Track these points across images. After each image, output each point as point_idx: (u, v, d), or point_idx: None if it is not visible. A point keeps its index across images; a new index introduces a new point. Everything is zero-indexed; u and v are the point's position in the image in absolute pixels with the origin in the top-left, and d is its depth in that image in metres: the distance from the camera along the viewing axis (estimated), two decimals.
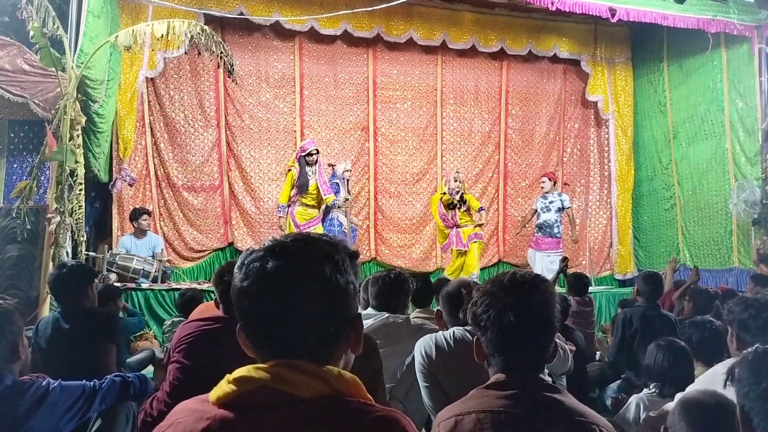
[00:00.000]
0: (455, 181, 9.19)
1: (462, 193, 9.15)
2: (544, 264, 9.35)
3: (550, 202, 9.41)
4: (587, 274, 7.32)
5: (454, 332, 3.06)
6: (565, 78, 11.25)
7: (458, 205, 9.15)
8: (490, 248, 10.91)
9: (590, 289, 6.78)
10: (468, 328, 3.02)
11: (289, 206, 8.72)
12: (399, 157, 10.50)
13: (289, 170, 8.78)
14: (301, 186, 8.62)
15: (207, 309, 3.60)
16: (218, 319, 2.96)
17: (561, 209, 9.37)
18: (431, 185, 10.64)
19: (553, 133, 11.22)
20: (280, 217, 8.79)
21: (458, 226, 9.19)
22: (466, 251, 9.17)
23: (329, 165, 9.07)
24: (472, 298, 1.88)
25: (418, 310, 4.12)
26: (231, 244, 9.81)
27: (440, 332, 3.14)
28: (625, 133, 11.23)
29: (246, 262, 1.27)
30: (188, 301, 6.00)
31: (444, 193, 9.22)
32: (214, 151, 9.76)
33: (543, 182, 9.58)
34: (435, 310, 3.59)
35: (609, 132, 11.29)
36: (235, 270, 1.30)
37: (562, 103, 11.25)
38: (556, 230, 9.40)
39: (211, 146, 9.75)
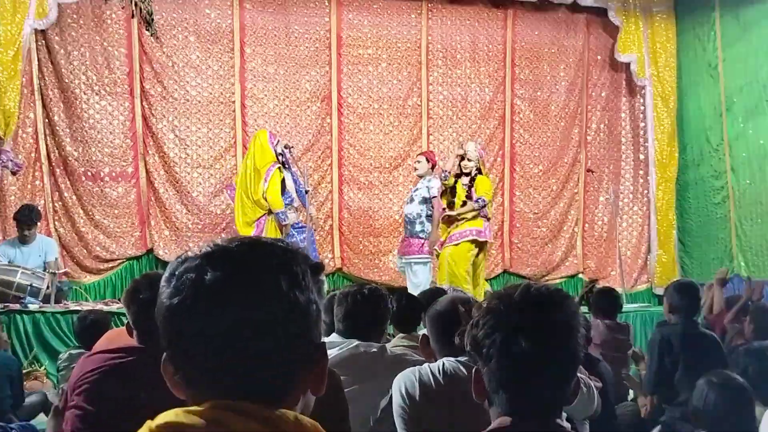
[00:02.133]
0: (460, 158, 8.93)
1: (473, 174, 8.94)
2: (407, 277, 9.14)
3: (415, 191, 9.14)
4: (618, 289, 7.41)
5: (443, 364, 3.06)
6: (589, 32, 11.39)
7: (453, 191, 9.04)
8: (492, 255, 11.00)
9: (623, 307, 6.85)
10: (463, 358, 3.04)
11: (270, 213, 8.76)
12: (371, 137, 10.56)
13: (278, 167, 8.81)
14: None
15: (117, 337, 3.58)
16: (132, 349, 2.94)
17: (427, 200, 9.00)
18: (414, 172, 10.69)
19: (574, 104, 11.34)
20: (285, 224, 8.76)
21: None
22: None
23: (286, 146, 9.05)
24: (472, 318, 1.89)
25: (401, 336, 4.12)
26: (150, 251, 9.78)
27: (426, 365, 3.13)
28: (666, 103, 11.39)
29: (177, 272, 1.27)
30: (91, 326, 5.94)
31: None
32: (126, 128, 9.72)
33: (418, 162, 9.23)
34: (420, 334, 3.60)
35: (645, 103, 11.45)
36: (162, 283, 1.29)
37: (585, 64, 11.38)
38: (418, 227, 9.00)
39: (122, 121, 9.71)
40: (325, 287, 8.85)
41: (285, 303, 1.26)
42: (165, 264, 9.30)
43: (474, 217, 8.84)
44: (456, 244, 8.75)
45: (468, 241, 8.74)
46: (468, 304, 3.08)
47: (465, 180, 8.90)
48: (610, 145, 11.52)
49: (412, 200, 9.12)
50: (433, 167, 9.17)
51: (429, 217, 9.04)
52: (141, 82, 9.76)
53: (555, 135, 11.24)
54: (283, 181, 8.96)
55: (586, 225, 11.43)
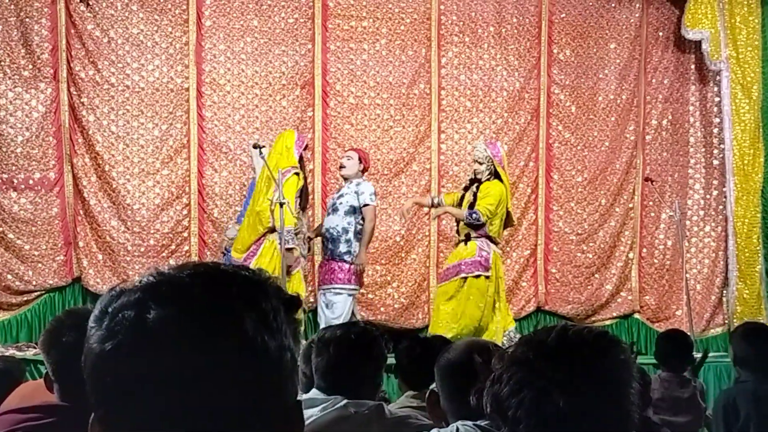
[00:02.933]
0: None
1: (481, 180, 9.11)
2: (320, 312, 9.14)
3: (339, 197, 9.16)
4: (689, 334, 7.38)
5: (457, 430, 3.07)
6: (648, 2, 11.42)
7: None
8: (522, 289, 10.98)
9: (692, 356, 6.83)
10: (482, 422, 3.03)
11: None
12: (366, 135, 10.57)
13: (296, 173, 8.90)
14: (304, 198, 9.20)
15: (32, 392, 3.56)
16: (52, 408, 2.93)
17: (355, 210, 9.03)
18: (421, 180, 10.74)
19: (628, 94, 11.36)
20: (289, 249, 8.65)
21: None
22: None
23: (255, 146, 9.06)
24: (493, 371, 1.89)
25: (410, 394, 4.13)
26: (77, 280, 9.79)
27: (434, 431, 3.14)
28: (748, 93, 11.42)
29: (111, 310, 1.26)
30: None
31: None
32: (47, 122, 9.74)
33: (347, 158, 9.26)
34: (428, 390, 3.59)
35: (721, 92, 11.47)
36: (91, 323, 1.28)
37: (643, 43, 11.41)
38: (342, 247, 9.01)
39: (42, 113, 9.72)
40: (302, 329, 8.88)
41: (250, 350, 1.25)
42: (96, 297, 9.28)
43: (468, 239, 9.05)
44: (441, 284, 9.19)
45: (458, 279, 9.06)
46: (487, 353, 3.07)
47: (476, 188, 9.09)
48: (675, 147, 11.53)
49: (335, 210, 9.08)
50: (365, 170, 9.24)
51: (358, 234, 9.03)
52: (68, 64, 9.77)
53: (603, 134, 11.26)
54: (302, 191, 9.08)
55: (644, 250, 11.42)
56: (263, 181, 8.79)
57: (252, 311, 1.26)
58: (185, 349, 1.22)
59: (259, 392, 1.26)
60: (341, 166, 9.27)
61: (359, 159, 9.20)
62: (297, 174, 8.89)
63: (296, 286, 8.82)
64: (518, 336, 8.49)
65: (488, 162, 9.05)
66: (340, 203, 9.05)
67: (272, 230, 8.68)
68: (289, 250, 8.61)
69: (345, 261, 8.99)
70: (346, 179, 9.18)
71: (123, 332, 1.23)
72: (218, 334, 1.23)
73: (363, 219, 9.02)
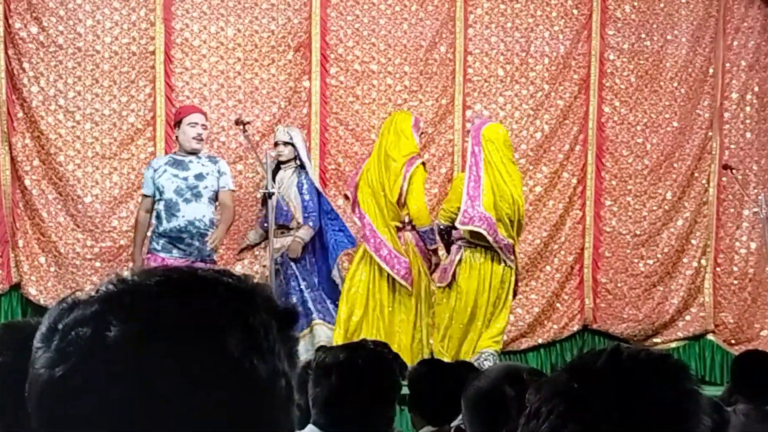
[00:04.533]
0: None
1: None
2: None
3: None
4: None
5: None
6: None
7: None
8: (564, 303, 10.97)
9: None
10: None
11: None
12: (374, 110, 10.58)
13: (423, 162, 9.23)
14: None
15: None
16: None
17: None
18: (441, 167, 10.75)
19: (702, 60, 11.34)
20: (432, 249, 9.30)
21: None
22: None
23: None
24: (528, 403, 1.90)
25: (428, 430, 4.11)
26: (15, 287, 9.80)
27: None
28: None
29: (62, 326, 1.25)
30: None
31: None
32: None
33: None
34: (452, 427, 3.61)
35: None
36: (37, 342, 1.28)
37: None
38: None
39: None
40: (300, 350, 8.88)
41: (235, 376, 1.25)
42: (39, 309, 9.31)
43: None
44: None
45: None
46: (520, 383, 3.08)
47: None
48: (762, 126, 11.51)
49: (197, 195, 9.20)
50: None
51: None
52: (5, 20, 9.77)
53: (671, 110, 11.25)
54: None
55: (721, 256, 11.41)
56: (384, 169, 9.17)
57: (237, 327, 1.23)
58: (153, 375, 1.20)
59: (247, 428, 1.27)
60: (199, 138, 9.30)
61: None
62: (424, 163, 9.26)
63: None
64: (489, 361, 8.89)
65: None
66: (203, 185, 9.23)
67: (410, 226, 9.35)
68: (434, 251, 9.31)
69: (214, 260, 9.39)
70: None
71: (77, 354, 1.22)
72: (195, 356, 1.21)
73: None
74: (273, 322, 1.28)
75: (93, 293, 1.27)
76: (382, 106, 10.54)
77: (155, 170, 9.05)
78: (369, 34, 10.52)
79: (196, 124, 9.11)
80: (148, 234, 9.18)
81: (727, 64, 11.42)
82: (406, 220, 9.32)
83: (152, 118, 10.05)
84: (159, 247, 9.05)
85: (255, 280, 1.33)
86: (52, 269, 9.81)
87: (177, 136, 9.13)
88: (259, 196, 9.34)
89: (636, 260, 11.16)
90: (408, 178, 9.13)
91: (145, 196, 9.16)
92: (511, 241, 9.28)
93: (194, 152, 9.14)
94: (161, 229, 9.05)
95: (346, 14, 10.47)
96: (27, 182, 9.82)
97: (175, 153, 9.20)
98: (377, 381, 3.65)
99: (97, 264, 9.77)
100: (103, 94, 9.98)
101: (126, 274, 1.30)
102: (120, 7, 10.00)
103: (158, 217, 9.05)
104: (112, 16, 9.99)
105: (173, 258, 9.03)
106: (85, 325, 1.24)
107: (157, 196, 9.03)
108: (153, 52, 10.06)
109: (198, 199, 9.06)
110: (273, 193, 8.85)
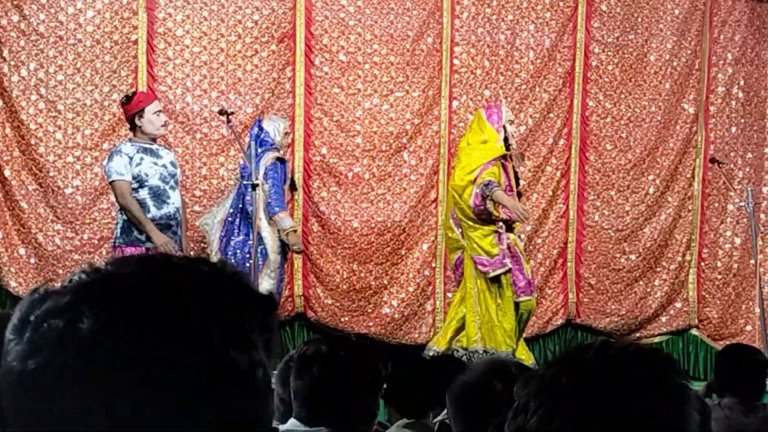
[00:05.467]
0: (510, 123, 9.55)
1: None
2: None
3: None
4: (762, 351, 7.38)
5: None
6: None
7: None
8: (548, 297, 11.00)
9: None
10: None
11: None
12: (359, 101, 10.58)
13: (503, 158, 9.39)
14: None
15: None
16: None
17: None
18: (427, 159, 10.75)
19: (688, 54, 11.38)
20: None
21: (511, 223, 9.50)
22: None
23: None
24: (516, 397, 1.89)
25: (402, 423, 4.13)
26: None
27: None
28: None
29: (34, 317, 1.23)
30: None
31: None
32: None
33: None
34: (435, 423, 3.60)
35: None
36: (8, 335, 1.26)
37: None
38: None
39: None
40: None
41: (215, 368, 1.23)
42: (19, 301, 9.24)
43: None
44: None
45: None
46: (508, 377, 3.07)
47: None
48: (748, 120, 11.59)
49: (177, 183, 9.21)
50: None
51: None
52: None
53: (655, 104, 11.30)
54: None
55: (705, 251, 11.46)
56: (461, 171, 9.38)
57: (214, 317, 1.23)
58: (129, 368, 1.19)
59: (226, 421, 1.25)
60: (166, 125, 9.34)
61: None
62: (508, 159, 9.40)
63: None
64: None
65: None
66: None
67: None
68: None
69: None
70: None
71: (49, 347, 1.20)
72: (172, 348, 1.21)
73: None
74: (251, 311, 1.27)
75: (66, 284, 1.25)
76: (368, 97, 10.55)
77: (130, 158, 8.87)
78: (354, 24, 10.52)
79: (160, 112, 9.07)
80: (129, 224, 8.99)
81: (714, 58, 11.47)
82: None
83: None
84: (144, 237, 8.90)
85: (233, 268, 1.31)
86: (32, 261, 9.79)
87: (138, 126, 8.98)
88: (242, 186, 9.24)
89: (619, 255, 11.22)
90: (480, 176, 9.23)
91: (125, 181, 8.91)
92: None
93: (154, 140, 9.08)
94: (148, 217, 8.93)
95: (331, 4, 10.46)
96: (7, 173, 9.77)
97: (135, 141, 9.00)
98: (360, 374, 3.62)
99: (77, 257, 9.75)
100: (85, 83, 9.94)
101: (99, 263, 1.28)
102: None
103: (142, 205, 8.88)
104: (95, 4, 9.93)
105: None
106: (57, 317, 1.21)
107: (136, 185, 8.90)
108: (135, 42, 10.03)
109: (177, 186, 9.08)
110: (258, 185, 8.83)
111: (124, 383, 1.18)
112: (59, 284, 1.27)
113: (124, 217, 8.90)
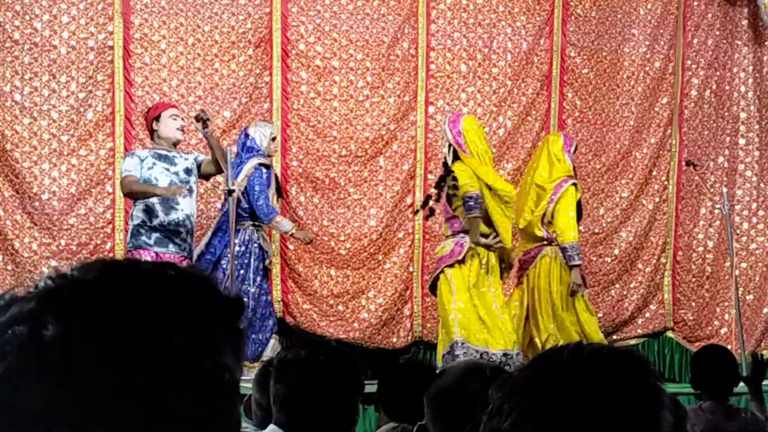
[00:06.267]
0: None
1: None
2: None
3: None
4: (735, 354, 7.38)
5: None
6: None
7: None
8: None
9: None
10: None
11: None
12: (336, 106, 10.55)
13: (573, 183, 9.69)
14: None
15: None
16: None
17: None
18: (403, 163, 10.75)
19: (662, 58, 11.40)
20: (576, 265, 9.63)
21: None
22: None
23: (197, 119, 8.98)
24: (491, 400, 1.90)
25: (389, 427, 4.14)
26: None
27: None
28: None
29: None
30: None
31: None
32: None
33: (182, 119, 9.28)
34: (415, 426, 3.61)
35: None
36: None
37: None
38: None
39: None
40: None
41: (179, 373, 1.23)
42: None
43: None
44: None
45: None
46: (483, 380, 3.08)
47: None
48: (721, 123, 11.58)
49: (190, 191, 9.16)
50: (204, 123, 9.18)
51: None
52: None
53: (628, 108, 11.32)
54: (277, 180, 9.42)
55: (680, 253, 11.47)
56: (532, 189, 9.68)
57: (179, 321, 1.22)
58: (93, 375, 1.20)
59: (191, 426, 1.24)
60: (182, 130, 9.25)
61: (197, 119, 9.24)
62: (575, 184, 9.60)
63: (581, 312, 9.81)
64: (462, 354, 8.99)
65: (446, 138, 9.43)
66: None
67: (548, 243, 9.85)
68: (577, 266, 9.70)
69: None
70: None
71: (12, 354, 1.18)
72: (137, 354, 1.20)
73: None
74: (218, 315, 1.28)
75: (31, 290, 1.25)
76: (344, 102, 10.53)
77: (142, 160, 8.89)
78: (330, 29, 10.50)
79: (177, 116, 9.08)
80: (138, 228, 9.00)
81: (687, 62, 11.48)
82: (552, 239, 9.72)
83: (111, 113, 9.95)
84: (152, 242, 8.90)
85: (201, 272, 1.30)
86: (9, 267, 9.73)
87: (155, 131, 8.98)
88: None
89: (595, 258, 11.20)
90: (555, 200, 9.58)
91: (130, 174, 8.87)
92: None
93: (175, 145, 9.09)
94: (155, 222, 8.91)
95: (307, 9, 10.44)
96: None
97: (153, 148, 9.05)
98: (339, 379, 3.61)
99: (54, 263, 9.68)
100: (61, 89, 9.88)
101: (65, 269, 1.28)
102: (77, 1, 9.89)
103: (150, 210, 8.88)
104: (69, 10, 9.88)
105: (170, 253, 8.92)
106: (21, 323, 1.20)
107: None
108: (111, 47, 9.97)
109: (191, 194, 9.04)
110: (233, 190, 8.81)
111: (88, 389, 1.18)
112: (24, 289, 1.25)
113: (134, 221, 8.97)
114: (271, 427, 3.64)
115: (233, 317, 1.28)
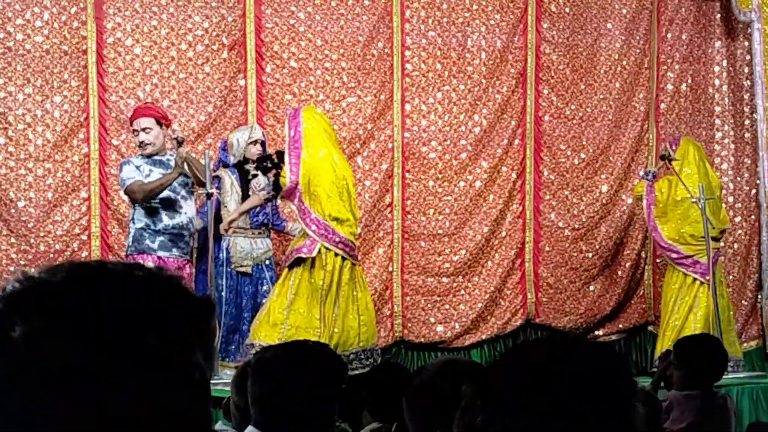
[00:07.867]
0: None
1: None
2: None
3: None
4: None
5: None
6: None
7: None
8: (506, 298, 11.02)
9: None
10: None
11: None
12: (312, 106, 10.45)
13: None
14: None
15: None
16: None
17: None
18: (381, 163, 10.78)
19: (637, 54, 11.44)
20: None
21: None
22: None
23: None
24: (464, 396, 1.90)
25: (373, 427, 4.15)
26: None
27: None
28: None
29: None
30: None
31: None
32: None
33: (145, 132, 9.07)
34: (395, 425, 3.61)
35: (752, 49, 11.56)
36: None
37: None
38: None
39: None
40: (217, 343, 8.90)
41: (150, 373, 1.23)
42: None
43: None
44: None
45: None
46: (458, 376, 3.08)
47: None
48: (696, 117, 11.64)
49: (190, 194, 9.20)
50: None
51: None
52: None
53: (606, 103, 11.35)
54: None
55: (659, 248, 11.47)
56: None
57: (148, 321, 1.23)
58: (61, 376, 1.19)
59: (161, 422, 1.24)
60: (144, 144, 9.05)
61: (157, 121, 9.15)
62: None
63: None
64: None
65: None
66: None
67: None
68: None
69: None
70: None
71: None
72: (105, 354, 1.20)
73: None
74: (187, 314, 1.26)
75: (1, 288, 1.25)
76: (320, 102, 10.49)
77: (137, 167, 8.88)
78: (305, 30, 10.49)
79: (137, 131, 8.98)
80: (141, 232, 9.00)
81: (662, 56, 11.53)
82: None
83: (86, 118, 9.93)
84: (155, 246, 8.91)
85: (168, 272, 1.31)
86: None
87: None
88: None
89: (576, 254, 11.23)
90: None
91: (136, 179, 8.84)
92: None
93: (161, 150, 9.04)
94: (159, 226, 8.92)
95: (281, 11, 10.42)
96: None
97: (141, 154, 9.02)
98: (317, 379, 3.62)
99: (32, 269, 9.65)
100: (34, 94, 9.85)
101: (32, 271, 1.27)
102: (50, 5, 9.87)
103: (154, 214, 8.91)
104: (42, 14, 9.86)
105: (173, 257, 8.99)
106: None
107: None
108: (85, 52, 9.95)
109: (191, 197, 9.11)
110: (212, 194, 8.81)
111: (57, 390, 1.18)
112: None
113: (136, 225, 8.96)
114: (250, 428, 3.66)
115: (203, 317, 1.29)
